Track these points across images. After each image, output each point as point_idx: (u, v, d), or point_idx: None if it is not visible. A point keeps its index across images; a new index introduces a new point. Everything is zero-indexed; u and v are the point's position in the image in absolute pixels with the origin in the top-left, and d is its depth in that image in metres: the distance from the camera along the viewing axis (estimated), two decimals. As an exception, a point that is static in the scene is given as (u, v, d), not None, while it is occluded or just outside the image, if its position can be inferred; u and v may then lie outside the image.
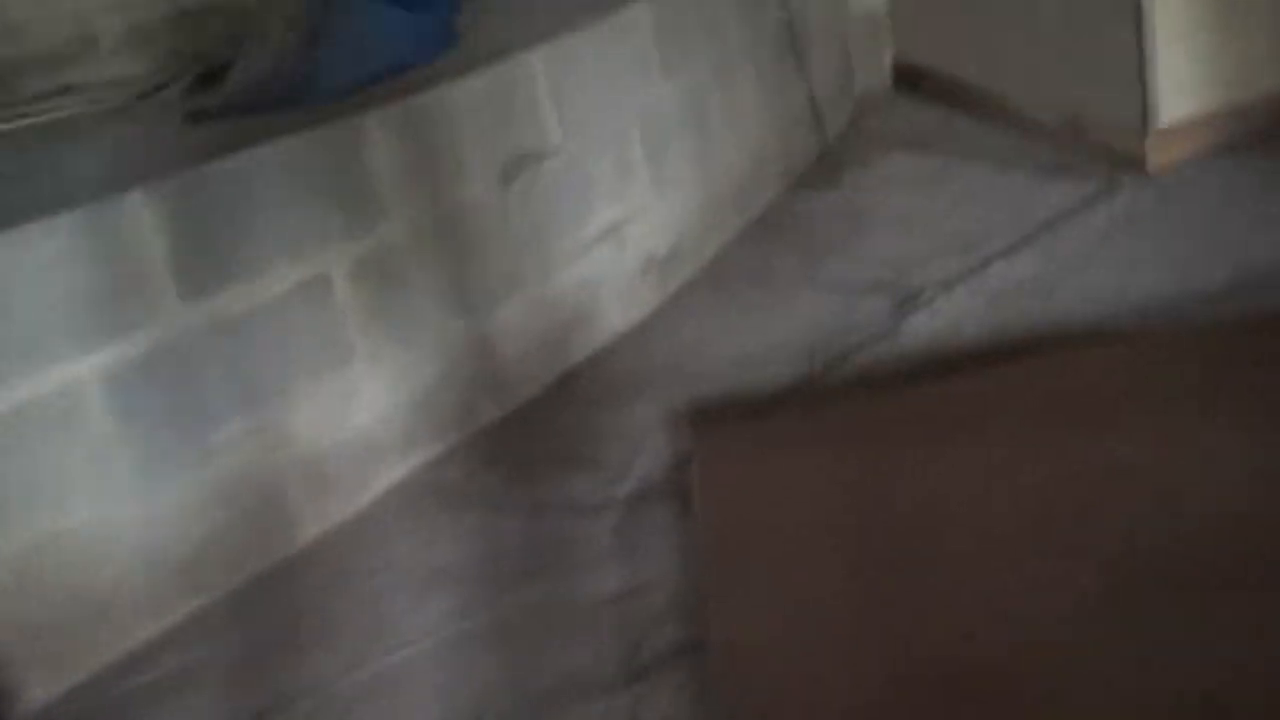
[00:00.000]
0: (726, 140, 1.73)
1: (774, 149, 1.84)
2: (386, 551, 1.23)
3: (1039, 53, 1.70)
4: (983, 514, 1.00)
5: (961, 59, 1.91)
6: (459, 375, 1.39)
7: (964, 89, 1.90)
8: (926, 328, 1.36)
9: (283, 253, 1.22)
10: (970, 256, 1.46)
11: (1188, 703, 0.77)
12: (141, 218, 1.14)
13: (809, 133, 1.92)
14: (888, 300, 1.43)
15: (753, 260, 1.63)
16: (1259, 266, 1.28)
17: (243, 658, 1.12)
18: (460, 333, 1.39)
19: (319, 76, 1.39)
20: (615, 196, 1.54)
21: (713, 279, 1.61)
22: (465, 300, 1.39)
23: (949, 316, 1.37)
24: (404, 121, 1.32)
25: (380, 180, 1.31)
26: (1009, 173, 1.64)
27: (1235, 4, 1.51)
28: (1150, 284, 1.31)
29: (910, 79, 2.09)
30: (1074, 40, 1.62)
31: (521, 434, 1.39)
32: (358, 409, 1.30)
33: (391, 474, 1.33)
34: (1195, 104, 1.51)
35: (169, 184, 1.17)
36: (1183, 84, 1.50)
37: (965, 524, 0.99)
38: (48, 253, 1.08)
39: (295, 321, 1.24)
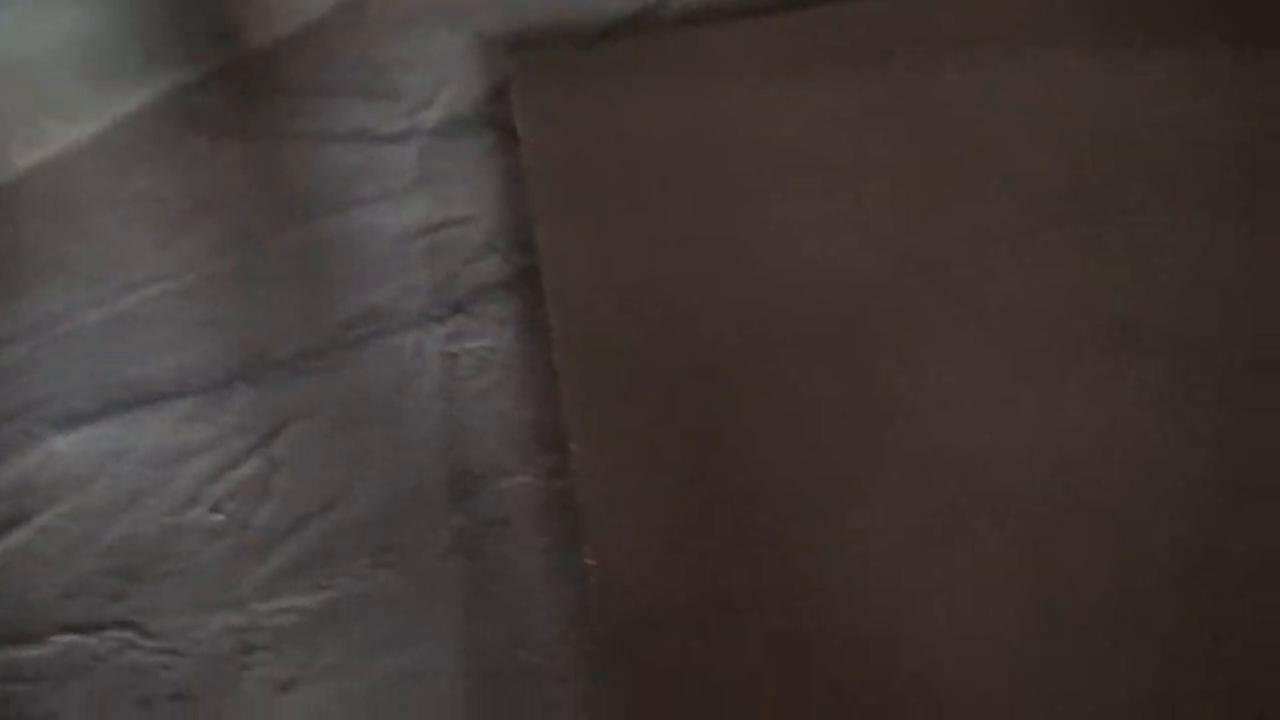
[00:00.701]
0: None
1: None
2: (129, 182, 0.99)
3: None
4: (862, 154, 0.86)
5: None
6: (218, -17, 1.12)
7: None
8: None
9: None
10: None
11: (1099, 323, 0.68)
12: None
13: None
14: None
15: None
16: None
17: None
18: (218, -71, 1.11)
19: None
20: None
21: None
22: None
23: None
24: None
25: None
26: None
27: None
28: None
29: None
30: None
31: (299, 60, 1.14)
32: (80, 10, 1.03)
33: (132, 97, 1.07)
34: None
35: None
36: None
37: (835, 163, 0.86)
38: None
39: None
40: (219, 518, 0.68)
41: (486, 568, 0.66)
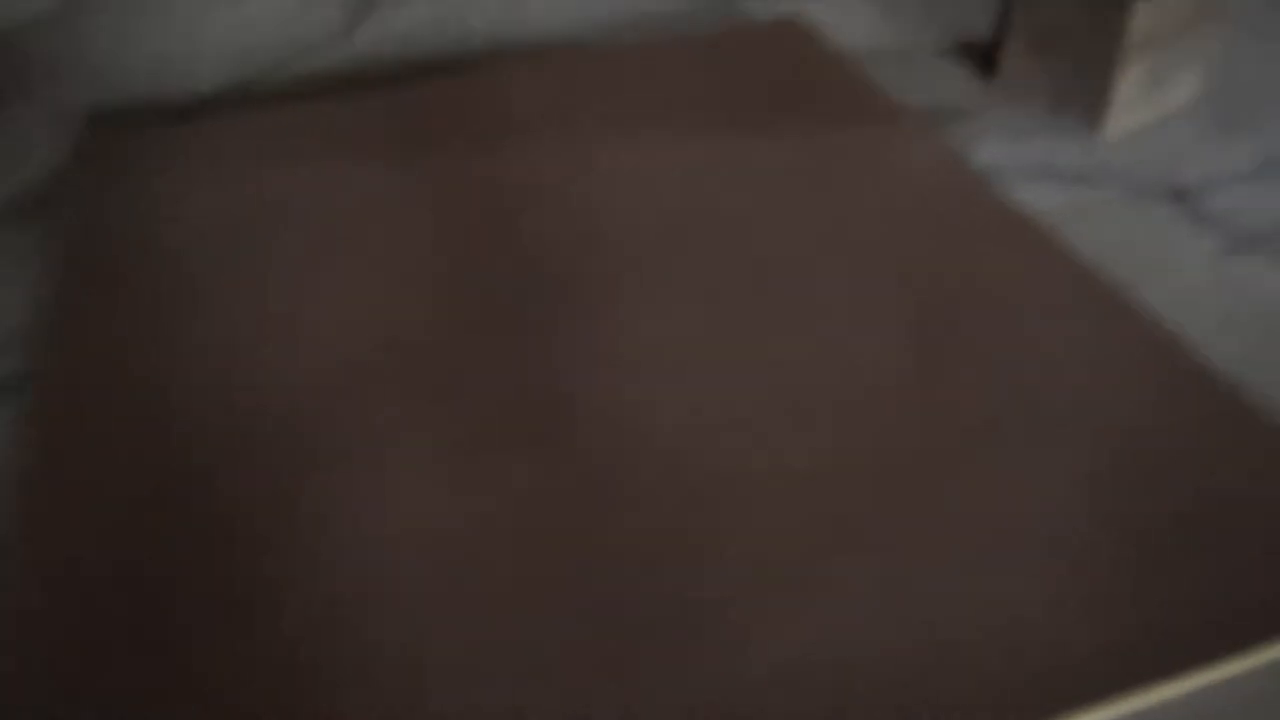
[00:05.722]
0: None
1: None
2: None
3: None
4: (361, 242, 0.89)
5: None
6: None
7: None
8: (381, 35, 1.21)
9: None
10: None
11: (532, 402, 0.73)
12: None
13: None
14: (339, 5, 1.26)
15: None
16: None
17: None
18: None
19: None
20: None
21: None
22: None
23: (407, 24, 1.23)
24: None
25: None
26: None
27: None
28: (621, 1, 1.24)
29: None
30: None
31: None
32: None
33: None
34: None
35: None
36: None
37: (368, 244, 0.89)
38: None
39: None
40: None
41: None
